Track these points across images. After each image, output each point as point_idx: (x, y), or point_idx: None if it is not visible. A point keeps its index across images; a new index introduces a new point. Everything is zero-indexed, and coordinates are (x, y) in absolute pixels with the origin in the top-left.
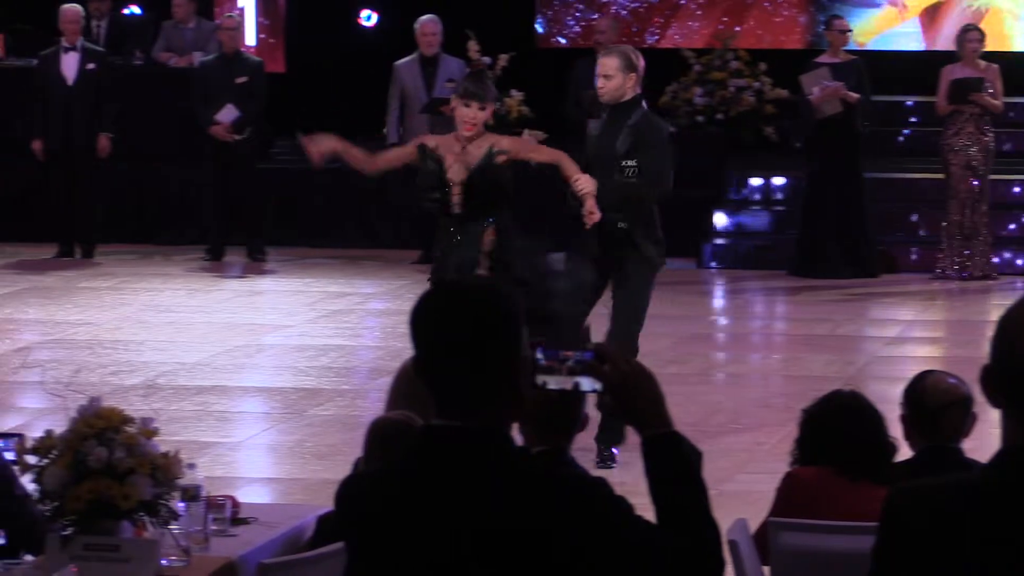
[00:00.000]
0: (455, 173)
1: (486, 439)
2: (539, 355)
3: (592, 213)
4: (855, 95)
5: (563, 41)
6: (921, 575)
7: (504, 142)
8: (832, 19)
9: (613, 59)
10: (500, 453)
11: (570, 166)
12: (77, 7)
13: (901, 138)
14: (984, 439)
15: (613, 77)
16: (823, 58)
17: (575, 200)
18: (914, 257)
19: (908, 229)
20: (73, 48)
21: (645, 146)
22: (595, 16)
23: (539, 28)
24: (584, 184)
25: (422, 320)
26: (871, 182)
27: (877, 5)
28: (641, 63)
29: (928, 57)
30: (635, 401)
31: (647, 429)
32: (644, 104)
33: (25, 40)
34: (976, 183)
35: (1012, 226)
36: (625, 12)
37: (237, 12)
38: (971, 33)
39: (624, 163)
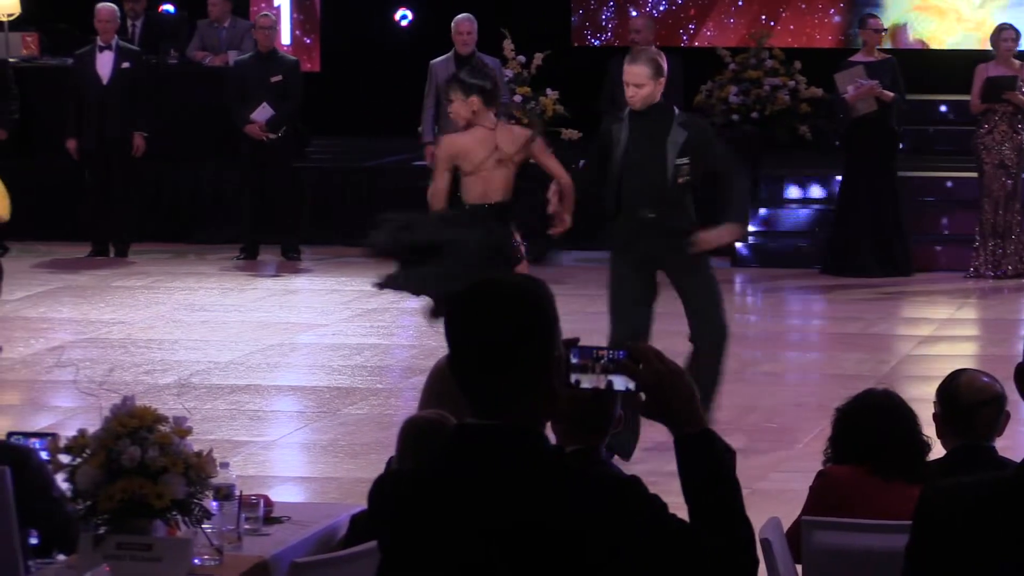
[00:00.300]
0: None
1: (520, 438)
2: (572, 353)
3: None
4: (890, 94)
5: (596, 43)
6: (955, 573)
7: None
8: (866, 18)
9: (642, 67)
10: (534, 452)
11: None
12: (112, 6)
13: (931, 130)
14: (1018, 438)
15: (644, 85)
16: (857, 57)
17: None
18: (947, 256)
19: (940, 228)
20: (108, 47)
21: (706, 144)
22: (633, 14)
23: (574, 26)
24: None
25: (456, 319)
26: (904, 180)
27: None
28: (666, 66)
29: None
30: (669, 400)
31: (681, 428)
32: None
33: (60, 39)
34: (1009, 182)
35: None
36: (659, 11)
37: (272, 11)
38: (1006, 32)
39: (677, 162)
